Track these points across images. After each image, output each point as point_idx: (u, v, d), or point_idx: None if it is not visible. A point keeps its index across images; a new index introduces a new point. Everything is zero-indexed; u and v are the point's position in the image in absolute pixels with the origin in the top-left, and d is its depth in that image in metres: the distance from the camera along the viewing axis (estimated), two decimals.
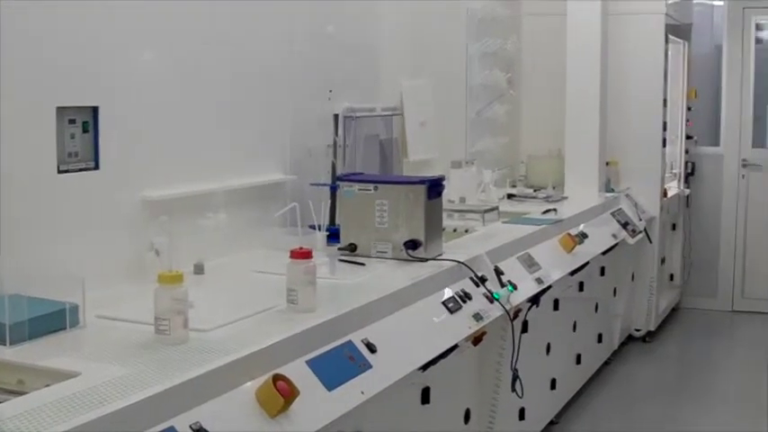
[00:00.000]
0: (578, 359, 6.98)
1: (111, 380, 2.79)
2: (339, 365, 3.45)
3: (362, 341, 3.64)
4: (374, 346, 3.65)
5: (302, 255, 3.68)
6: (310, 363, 3.33)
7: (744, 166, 10.27)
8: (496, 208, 6.45)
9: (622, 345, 8.48)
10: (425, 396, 4.33)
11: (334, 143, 5.44)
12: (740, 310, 10.32)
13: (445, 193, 5.28)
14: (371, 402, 3.53)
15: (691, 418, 7.11)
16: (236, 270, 4.45)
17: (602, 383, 7.63)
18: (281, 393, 2.99)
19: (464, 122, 7.76)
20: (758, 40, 10.51)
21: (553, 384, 6.34)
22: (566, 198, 7.65)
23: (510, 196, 7.63)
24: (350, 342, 3.59)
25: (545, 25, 8.64)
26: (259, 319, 3.55)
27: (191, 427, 2.71)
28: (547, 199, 7.45)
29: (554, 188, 7.94)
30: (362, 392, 3.46)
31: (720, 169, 10.35)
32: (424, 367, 4.07)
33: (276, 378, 3.03)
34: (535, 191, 7.95)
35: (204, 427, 2.74)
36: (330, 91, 5.52)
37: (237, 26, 4.81)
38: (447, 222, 5.90)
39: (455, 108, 7.63)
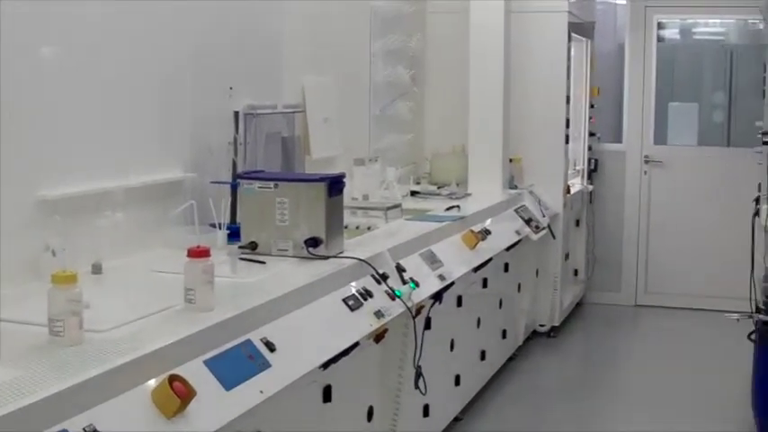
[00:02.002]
0: (483, 355, 7.01)
1: (2, 382, 2.73)
2: (237, 365, 3.43)
3: (261, 340, 3.62)
4: (273, 344, 3.64)
5: (200, 253, 3.66)
6: (208, 362, 3.31)
7: (646, 162, 10.39)
8: (399, 205, 6.45)
9: (527, 340, 8.53)
10: (327, 394, 4.32)
11: (235, 141, 5.40)
12: (643, 304, 10.44)
13: (348, 190, 5.28)
14: (271, 401, 3.51)
15: (595, 413, 7.19)
16: (135, 270, 4.39)
17: (507, 379, 7.67)
18: (177, 394, 2.96)
19: (368, 120, 7.75)
20: (660, 39, 10.66)
21: (457, 381, 6.36)
22: (469, 195, 7.69)
23: (413, 193, 7.65)
24: (249, 341, 3.58)
25: (449, 23, 8.69)
26: (156, 320, 3.51)
27: (84, 429, 2.68)
28: (450, 196, 7.48)
29: (458, 185, 7.97)
30: (262, 392, 3.45)
31: (623, 166, 10.46)
32: (325, 365, 4.07)
33: (172, 378, 3.00)
34: (439, 188, 7.97)
35: (98, 429, 2.71)
36: (231, 88, 5.47)
37: (137, 21, 4.74)
38: (350, 220, 5.90)
39: (359, 105, 7.63)
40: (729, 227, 9.46)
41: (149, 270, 4.39)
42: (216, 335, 3.44)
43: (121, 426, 2.82)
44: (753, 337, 6.23)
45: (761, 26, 9.31)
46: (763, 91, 7.66)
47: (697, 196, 10.20)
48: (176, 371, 3.09)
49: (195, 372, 3.19)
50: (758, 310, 6.29)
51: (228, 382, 3.31)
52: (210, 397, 3.18)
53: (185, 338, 3.28)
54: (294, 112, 6.13)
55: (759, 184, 7.39)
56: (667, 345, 9.16)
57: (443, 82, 8.83)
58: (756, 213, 7.07)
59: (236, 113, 5.43)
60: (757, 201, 7.24)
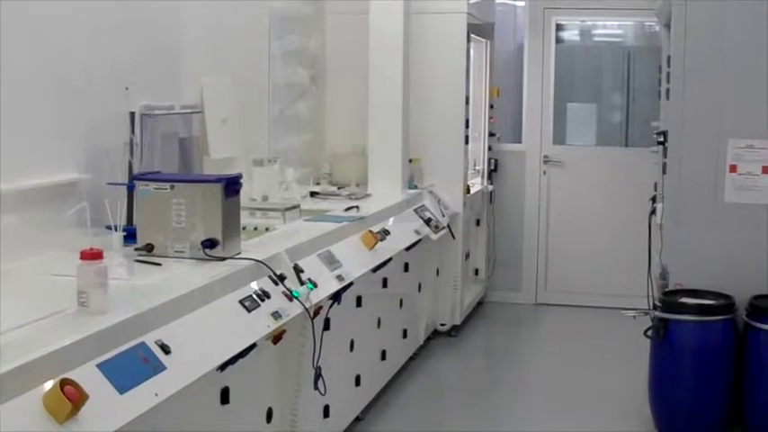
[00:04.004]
0: (383, 355, 7.02)
1: None
2: (131, 368, 3.40)
3: (156, 342, 3.59)
4: (169, 347, 3.61)
5: (92, 256, 3.61)
6: (101, 366, 3.27)
7: (545, 162, 10.48)
8: (298, 206, 6.41)
9: (428, 339, 8.57)
10: (225, 396, 4.31)
11: (131, 141, 5.34)
12: (543, 302, 10.54)
13: (247, 191, 5.22)
14: (168, 404, 3.49)
15: (496, 411, 7.24)
16: (28, 273, 4.30)
17: (409, 378, 7.70)
18: (69, 398, 2.93)
19: (267, 120, 7.71)
20: (558, 40, 10.76)
21: (358, 381, 6.37)
22: (369, 195, 7.69)
23: (313, 194, 7.61)
24: (143, 344, 3.54)
25: (349, 23, 8.66)
26: (48, 323, 3.45)
27: None
28: (350, 196, 7.47)
29: (358, 186, 7.97)
30: (157, 395, 3.42)
31: (523, 166, 10.54)
32: (223, 367, 4.05)
33: (64, 383, 2.97)
34: (339, 188, 7.98)
35: None
36: (126, 88, 5.41)
37: (30, 20, 4.67)
38: (248, 221, 5.87)
39: (258, 106, 7.58)
40: (627, 225, 9.56)
41: (42, 273, 4.31)
42: (109, 338, 3.40)
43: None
44: (649, 333, 6.32)
45: (657, 28, 9.42)
46: (659, 92, 7.77)
47: (595, 196, 10.33)
48: (68, 375, 3.05)
49: (88, 375, 3.15)
50: (654, 307, 6.39)
51: (122, 386, 3.28)
52: (104, 401, 3.15)
53: (77, 342, 3.24)
54: (192, 113, 6.08)
55: (655, 184, 7.51)
56: (567, 342, 9.26)
57: (343, 82, 8.83)
58: (653, 212, 7.19)
59: (132, 114, 5.38)
60: (653, 200, 7.36)
